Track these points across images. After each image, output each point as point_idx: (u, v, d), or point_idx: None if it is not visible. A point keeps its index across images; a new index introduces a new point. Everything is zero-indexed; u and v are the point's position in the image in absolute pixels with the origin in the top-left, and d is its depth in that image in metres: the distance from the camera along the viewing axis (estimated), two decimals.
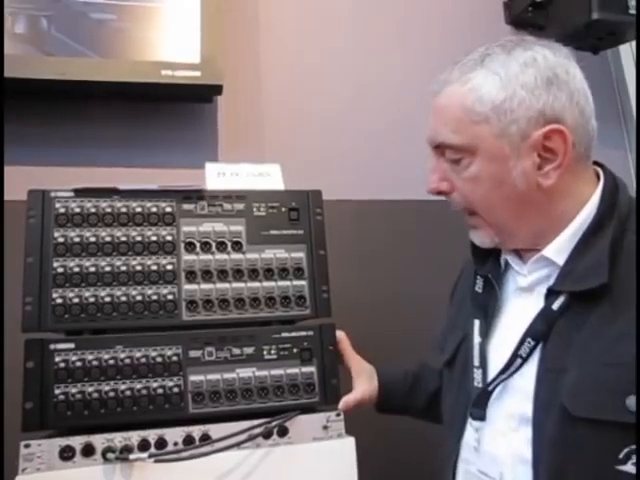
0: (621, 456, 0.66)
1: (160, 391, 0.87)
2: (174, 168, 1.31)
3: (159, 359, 0.88)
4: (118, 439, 0.84)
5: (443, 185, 0.83)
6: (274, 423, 0.89)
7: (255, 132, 1.41)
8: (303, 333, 0.96)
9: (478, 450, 0.81)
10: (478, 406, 0.80)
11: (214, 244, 0.96)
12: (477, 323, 0.87)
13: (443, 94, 0.80)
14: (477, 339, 0.85)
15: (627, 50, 1.74)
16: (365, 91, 1.50)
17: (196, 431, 0.87)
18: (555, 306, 0.75)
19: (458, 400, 0.87)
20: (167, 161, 1.32)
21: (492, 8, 1.65)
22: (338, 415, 0.93)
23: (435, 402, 1.04)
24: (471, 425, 0.82)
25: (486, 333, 0.84)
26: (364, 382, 1.00)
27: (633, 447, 0.65)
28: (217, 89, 1.29)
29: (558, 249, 0.78)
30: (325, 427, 0.92)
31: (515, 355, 0.77)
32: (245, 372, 0.92)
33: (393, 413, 1.07)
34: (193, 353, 0.90)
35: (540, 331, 0.75)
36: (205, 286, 0.94)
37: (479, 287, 0.89)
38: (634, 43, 1.67)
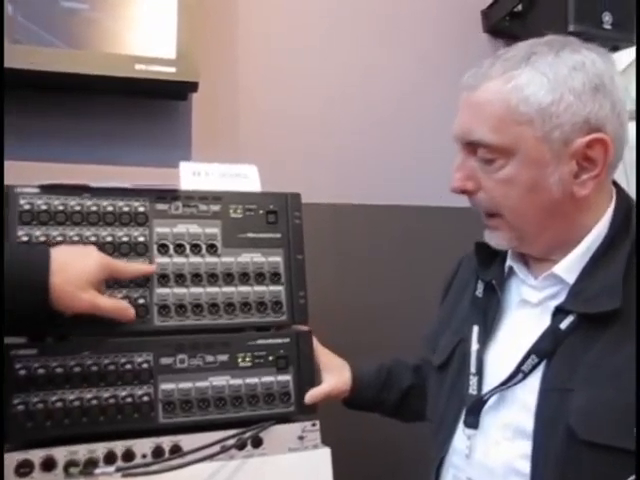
0: None
1: (129, 400, 0.83)
2: (146, 166, 1.26)
3: (128, 366, 0.84)
4: (82, 452, 0.79)
5: (469, 184, 0.79)
6: (248, 434, 0.86)
7: (231, 132, 1.37)
8: (279, 340, 0.93)
9: (470, 458, 0.80)
10: (472, 414, 0.79)
11: (188, 246, 0.92)
12: (476, 329, 0.85)
13: (482, 89, 0.75)
14: (475, 346, 0.84)
15: None
16: (345, 92, 1.48)
17: (166, 442, 0.83)
18: (563, 325, 0.74)
19: (449, 405, 0.86)
20: (138, 159, 1.27)
21: (470, 16, 1.66)
22: (314, 425, 0.91)
23: (407, 400, 1.04)
24: (464, 432, 0.81)
25: (485, 341, 0.83)
26: (333, 376, 0.98)
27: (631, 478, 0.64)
28: (193, 86, 1.25)
29: (568, 267, 0.77)
30: (301, 437, 0.89)
31: (518, 370, 0.76)
32: (219, 380, 0.88)
33: (363, 409, 1.05)
34: (164, 360, 0.86)
35: (546, 349, 0.74)
36: (178, 290, 0.90)
37: (479, 292, 0.88)
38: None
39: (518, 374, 0.76)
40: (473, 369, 0.82)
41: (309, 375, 0.93)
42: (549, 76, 0.73)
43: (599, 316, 0.72)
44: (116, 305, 0.84)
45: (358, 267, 1.39)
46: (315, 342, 0.99)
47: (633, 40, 1.48)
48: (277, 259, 0.96)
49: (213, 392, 0.87)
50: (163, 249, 0.91)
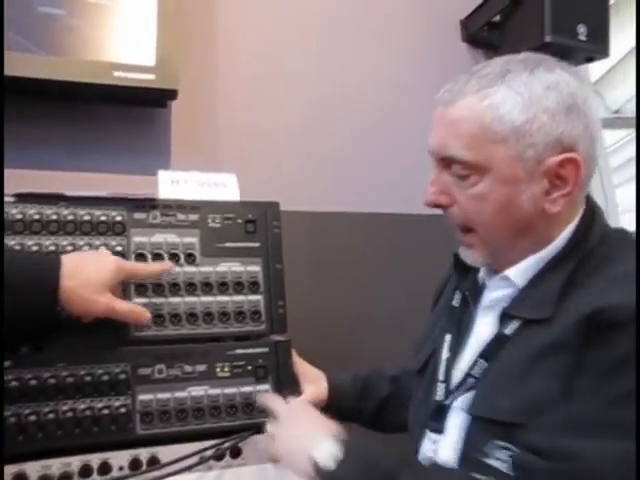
0: (485, 449, 0.70)
1: (106, 411, 0.82)
2: (124, 174, 1.25)
3: (105, 377, 0.83)
4: (56, 466, 0.78)
5: (442, 198, 0.79)
6: (227, 444, 0.86)
7: (210, 140, 1.37)
8: (258, 350, 0.93)
9: (434, 462, 0.81)
10: (435, 419, 0.81)
11: (166, 256, 0.91)
12: (448, 338, 0.87)
13: (457, 106, 0.76)
14: (446, 354, 0.86)
15: None
16: (325, 101, 1.49)
17: (144, 454, 0.82)
18: (508, 331, 0.76)
19: (420, 410, 0.88)
20: (117, 166, 1.26)
21: (449, 25, 1.68)
22: None
23: (385, 408, 1.04)
24: (429, 438, 0.82)
25: (455, 349, 0.85)
26: (311, 385, 0.99)
27: (497, 443, 0.69)
28: (172, 94, 1.24)
29: (521, 271, 0.79)
30: None
31: (468, 375, 0.78)
32: (197, 391, 0.88)
33: (341, 419, 1.04)
34: (142, 371, 0.86)
35: (491, 353, 0.77)
36: (156, 300, 0.89)
37: (456, 302, 0.90)
38: (581, 68, 1.75)
39: (469, 378, 0.78)
40: (441, 376, 0.84)
41: (288, 384, 0.93)
42: (524, 95, 0.73)
43: (536, 322, 0.74)
44: (132, 309, 0.84)
45: (337, 276, 1.39)
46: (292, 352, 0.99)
47: (607, 52, 1.52)
48: (256, 268, 0.96)
49: (191, 402, 0.87)
50: (141, 258, 0.90)
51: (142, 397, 0.85)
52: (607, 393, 0.63)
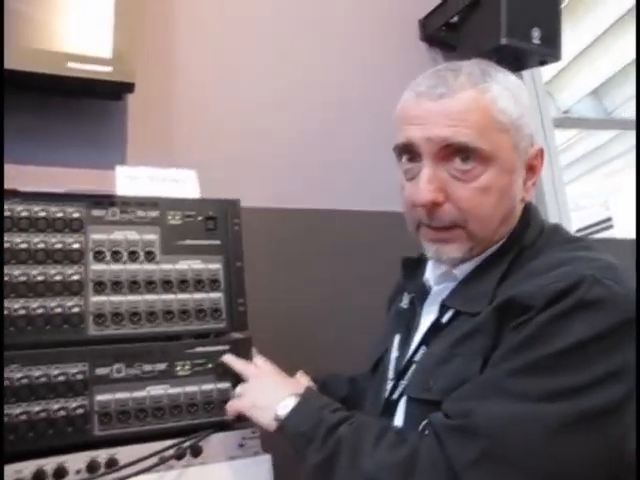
0: (420, 428, 0.73)
1: (62, 413, 0.80)
2: (78, 168, 1.22)
3: (62, 378, 0.81)
4: (8, 473, 0.74)
5: (440, 196, 0.77)
6: (187, 443, 0.85)
7: (168, 134, 1.34)
8: (219, 347, 0.92)
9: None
10: (385, 415, 0.83)
11: (125, 253, 0.90)
12: (397, 338, 0.89)
13: (457, 98, 0.76)
14: (395, 353, 0.88)
15: (528, 76, 1.87)
16: (283, 97, 1.49)
17: (102, 455, 0.80)
18: (444, 319, 0.80)
19: (371, 409, 0.89)
20: (70, 161, 1.22)
21: (408, 24, 1.70)
22: (254, 432, 0.90)
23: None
24: None
25: (404, 349, 0.87)
26: None
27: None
28: (129, 87, 1.21)
29: (462, 266, 0.82)
30: (241, 445, 0.89)
31: (410, 362, 0.82)
32: (157, 390, 0.87)
33: None
34: (100, 370, 0.84)
35: (430, 339, 0.81)
36: (115, 298, 0.88)
37: (405, 304, 0.92)
38: (534, 70, 1.81)
39: (411, 365, 0.81)
40: (391, 375, 0.86)
41: None
42: (512, 92, 0.79)
43: (467, 313, 0.78)
44: None
45: (298, 273, 1.39)
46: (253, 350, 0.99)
47: (559, 56, 1.57)
48: (216, 266, 0.95)
49: (151, 402, 0.86)
50: (99, 256, 0.88)
51: (100, 397, 0.83)
52: (510, 364, 0.67)
